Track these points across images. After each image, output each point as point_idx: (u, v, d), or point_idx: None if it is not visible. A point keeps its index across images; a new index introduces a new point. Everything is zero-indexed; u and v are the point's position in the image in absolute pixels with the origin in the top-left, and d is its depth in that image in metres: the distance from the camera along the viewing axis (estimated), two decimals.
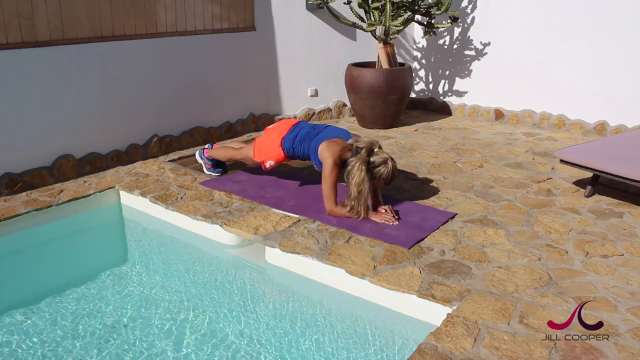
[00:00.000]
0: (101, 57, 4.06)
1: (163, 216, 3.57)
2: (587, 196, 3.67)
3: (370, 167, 3.09)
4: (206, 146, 4.06)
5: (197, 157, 4.05)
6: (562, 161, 3.70)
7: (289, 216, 3.31)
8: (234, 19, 4.93)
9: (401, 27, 5.36)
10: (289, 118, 3.67)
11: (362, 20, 5.49)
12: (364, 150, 3.10)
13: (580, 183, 3.91)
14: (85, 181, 3.92)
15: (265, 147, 3.53)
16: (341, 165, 3.21)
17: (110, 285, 2.98)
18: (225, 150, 3.88)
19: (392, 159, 3.12)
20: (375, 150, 3.14)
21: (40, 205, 3.49)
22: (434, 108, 6.35)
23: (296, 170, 4.14)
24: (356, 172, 3.08)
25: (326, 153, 3.20)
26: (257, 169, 3.94)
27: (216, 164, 3.99)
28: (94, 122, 4.12)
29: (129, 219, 3.79)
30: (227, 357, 2.39)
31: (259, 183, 3.83)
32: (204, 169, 4.02)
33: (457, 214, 3.37)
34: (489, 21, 5.73)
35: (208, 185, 3.79)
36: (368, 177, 3.08)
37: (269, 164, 3.53)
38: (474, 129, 5.52)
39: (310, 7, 5.42)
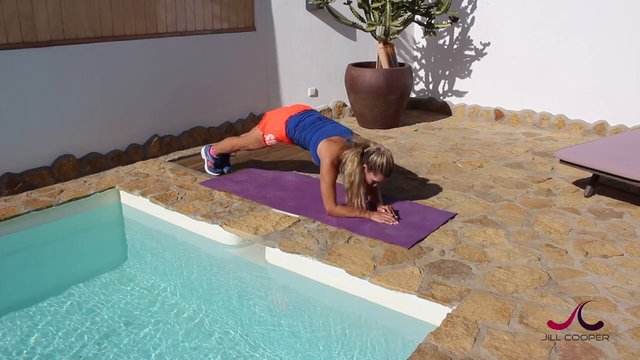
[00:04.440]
0: (101, 57, 4.06)
1: (163, 216, 3.57)
2: (587, 196, 3.67)
3: (364, 158, 3.11)
4: (203, 147, 4.10)
5: (202, 153, 4.05)
6: (562, 161, 3.70)
7: (289, 216, 3.31)
8: (234, 19, 4.93)
9: (401, 27, 5.36)
10: (303, 104, 3.74)
11: (362, 20, 5.49)
12: (360, 145, 3.15)
13: (580, 183, 3.91)
14: (85, 181, 3.93)
15: (272, 121, 3.61)
16: (339, 165, 3.22)
17: (110, 285, 2.98)
18: (230, 139, 3.96)
19: (388, 150, 3.13)
20: (371, 144, 3.16)
21: (41, 205, 3.49)
22: (434, 108, 6.35)
23: (296, 170, 4.14)
24: (348, 163, 3.11)
25: (325, 152, 3.20)
26: (257, 164, 3.93)
27: (218, 164, 3.99)
28: (94, 122, 4.12)
29: (129, 219, 3.79)
30: (227, 357, 2.39)
31: (259, 183, 3.83)
32: (205, 166, 4.02)
33: (457, 214, 3.37)
34: (489, 21, 5.73)
35: (208, 185, 3.79)
36: (360, 169, 3.10)
37: (268, 137, 3.59)
38: (474, 129, 5.52)
39: (310, 7, 5.42)
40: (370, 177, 3.13)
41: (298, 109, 3.60)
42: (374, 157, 3.08)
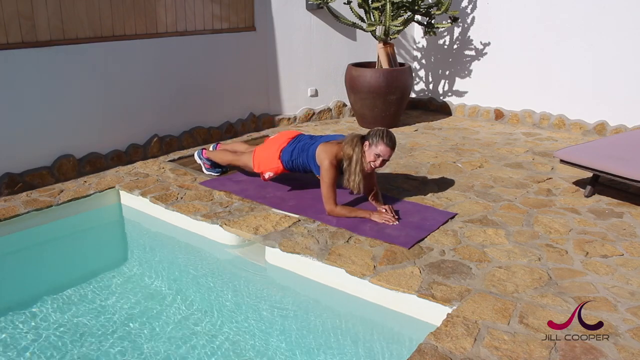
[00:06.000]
0: (101, 57, 4.06)
1: (163, 216, 3.57)
2: (587, 196, 3.67)
3: (364, 139, 3.19)
4: (210, 147, 4.11)
5: (196, 157, 4.06)
6: (562, 161, 3.70)
7: (289, 216, 3.31)
8: (234, 19, 4.93)
9: (401, 27, 5.36)
10: (290, 130, 3.67)
11: (362, 20, 5.49)
12: (358, 135, 3.25)
13: (580, 183, 3.91)
14: (85, 181, 3.93)
15: (264, 158, 3.53)
16: (338, 166, 3.22)
17: (110, 286, 2.98)
18: (224, 154, 3.89)
19: None
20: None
21: (41, 205, 3.49)
22: (434, 108, 6.34)
23: None
24: (348, 145, 3.18)
25: (322, 155, 3.21)
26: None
27: (215, 163, 3.99)
28: (94, 122, 4.12)
29: (129, 219, 3.79)
30: (227, 356, 2.39)
31: (259, 183, 3.83)
32: (203, 169, 4.02)
33: (457, 214, 3.37)
34: (489, 21, 5.73)
35: (208, 185, 3.79)
36: (359, 148, 3.16)
37: (267, 175, 3.54)
38: (474, 129, 5.52)
39: (310, 7, 5.42)
40: (372, 152, 3.13)
41: (287, 137, 3.51)
42: (373, 131, 3.19)
